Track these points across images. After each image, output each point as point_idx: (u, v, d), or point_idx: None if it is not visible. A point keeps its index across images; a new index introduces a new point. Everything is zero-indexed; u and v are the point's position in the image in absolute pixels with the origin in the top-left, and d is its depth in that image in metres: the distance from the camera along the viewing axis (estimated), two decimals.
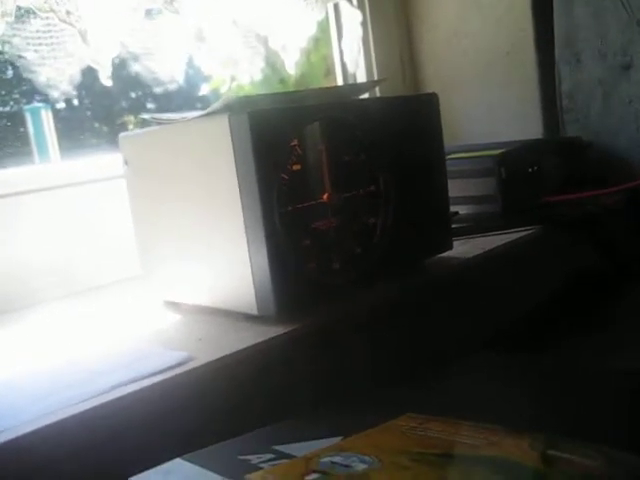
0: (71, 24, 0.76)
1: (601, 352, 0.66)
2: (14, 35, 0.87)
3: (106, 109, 1.08)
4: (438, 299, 0.70)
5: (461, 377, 0.57)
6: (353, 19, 1.07)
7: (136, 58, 1.03)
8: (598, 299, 0.82)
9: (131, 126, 1.10)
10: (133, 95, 1.14)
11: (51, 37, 0.86)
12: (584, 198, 0.92)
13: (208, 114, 0.60)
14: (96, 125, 1.10)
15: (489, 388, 0.54)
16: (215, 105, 0.59)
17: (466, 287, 0.74)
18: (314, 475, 0.32)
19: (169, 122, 0.65)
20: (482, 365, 0.60)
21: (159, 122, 0.65)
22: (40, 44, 0.86)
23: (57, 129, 0.98)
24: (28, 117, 0.99)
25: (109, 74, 0.79)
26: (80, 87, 0.96)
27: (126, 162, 0.69)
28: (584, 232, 0.88)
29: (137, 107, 1.12)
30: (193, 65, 1.15)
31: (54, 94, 0.91)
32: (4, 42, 0.87)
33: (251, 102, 0.61)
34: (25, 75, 0.92)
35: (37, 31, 0.85)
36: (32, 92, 0.95)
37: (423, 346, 0.67)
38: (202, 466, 0.36)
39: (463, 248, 0.78)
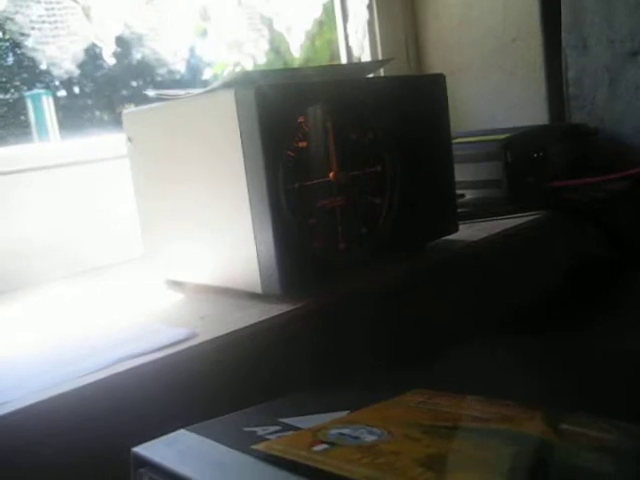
0: (75, 1, 0.76)
1: (609, 334, 0.65)
2: (17, 12, 0.87)
3: (107, 97, 1.07)
4: (443, 281, 0.70)
5: (468, 357, 0.56)
6: (359, 2, 1.06)
7: (140, 39, 1.02)
8: (603, 284, 0.81)
9: None
10: (134, 84, 1.13)
11: (54, 15, 0.85)
12: (590, 184, 0.91)
13: (213, 89, 0.59)
14: (97, 113, 1.09)
15: (497, 368, 0.53)
16: (220, 80, 0.59)
17: (471, 270, 0.73)
18: (322, 446, 0.32)
19: (174, 98, 0.64)
20: (488, 346, 0.59)
21: (163, 98, 0.65)
22: (43, 22, 0.85)
23: (57, 117, 0.98)
24: (29, 103, 0.98)
25: (113, 51, 0.79)
26: (81, 74, 0.95)
27: (129, 139, 0.68)
28: (589, 217, 0.88)
29: (138, 96, 1.12)
30: (195, 53, 1.14)
31: (57, 73, 0.91)
32: (7, 19, 0.86)
33: (257, 77, 0.60)
34: (28, 55, 0.92)
35: (40, 9, 0.84)
36: (33, 79, 0.94)
37: (428, 327, 0.66)
38: (207, 437, 0.35)
39: (468, 231, 0.77)
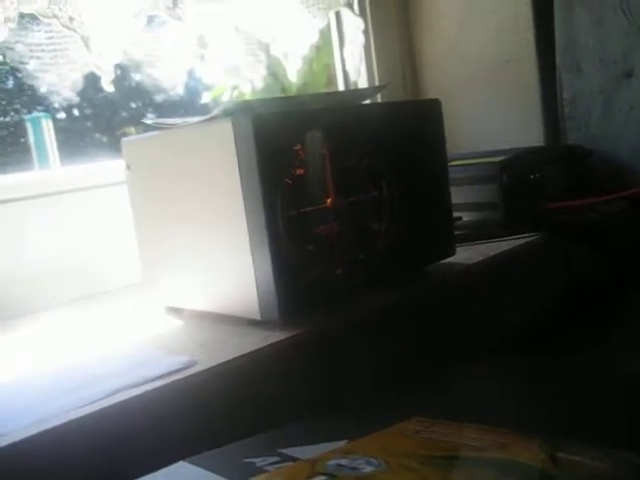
0: (74, 30, 0.76)
1: (604, 357, 0.66)
2: (17, 42, 0.88)
3: (106, 120, 1.08)
4: (441, 305, 0.70)
5: (465, 381, 0.56)
6: (355, 27, 1.07)
7: (138, 66, 1.03)
8: (599, 305, 0.82)
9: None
10: (133, 105, 1.14)
11: (53, 44, 0.86)
12: (585, 205, 0.92)
13: (211, 118, 0.60)
14: (96, 135, 1.10)
15: (493, 392, 0.53)
16: (218, 109, 0.59)
17: (469, 293, 0.73)
18: (321, 477, 0.32)
19: (171, 127, 0.65)
20: (485, 370, 0.60)
21: (161, 127, 0.65)
22: (43, 50, 0.86)
23: (57, 139, 0.98)
24: (29, 127, 0.98)
25: (111, 80, 0.79)
26: (80, 98, 0.96)
27: (128, 167, 0.69)
28: (585, 239, 0.88)
29: (137, 118, 1.12)
30: (194, 75, 1.15)
31: (57, 100, 0.91)
32: (7, 49, 0.87)
33: (253, 106, 0.61)
34: (27, 82, 0.93)
35: (40, 38, 0.85)
36: (33, 102, 0.95)
37: (426, 351, 0.67)
38: (207, 468, 0.35)
39: (465, 254, 0.78)
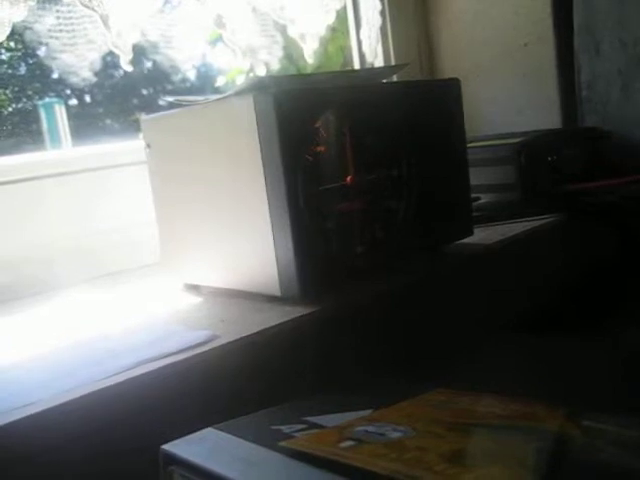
0: (93, 9, 0.77)
1: (621, 336, 0.66)
2: (35, 22, 0.88)
3: (118, 106, 1.08)
4: (458, 284, 0.70)
5: (482, 359, 0.57)
6: (372, 8, 1.06)
7: (155, 47, 1.03)
8: (619, 286, 0.82)
9: None
10: (145, 92, 1.14)
11: (72, 24, 0.86)
12: (604, 187, 0.91)
13: (231, 95, 0.60)
14: (108, 121, 1.10)
15: (511, 369, 0.53)
16: (238, 86, 0.59)
17: (486, 273, 0.73)
18: (349, 442, 0.32)
19: (192, 104, 0.65)
20: (502, 347, 0.60)
21: (182, 104, 0.65)
22: (61, 30, 0.86)
23: (69, 126, 0.99)
24: (42, 112, 0.99)
25: (130, 59, 0.79)
26: (93, 83, 0.96)
27: (148, 145, 0.69)
28: (603, 221, 0.88)
29: (149, 104, 1.13)
30: (207, 60, 1.15)
31: (75, 80, 0.92)
32: (25, 28, 0.87)
33: (274, 83, 0.61)
34: (41, 66, 0.93)
35: (58, 17, 0.85)
36: (45, 88, 0.96)
37: (443, 329, 0.67)
38: (234, 434, 0.36)
39: (483, 234, 0.78)
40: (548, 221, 0.84)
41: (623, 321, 0.72)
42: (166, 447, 0.35)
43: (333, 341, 0.57)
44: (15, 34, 0.88)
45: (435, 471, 0.28)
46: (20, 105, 0.96)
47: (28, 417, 0.40)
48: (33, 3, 0.73)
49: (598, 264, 0.88)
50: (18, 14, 0.73)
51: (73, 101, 1.01)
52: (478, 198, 0.80)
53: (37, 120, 0.97)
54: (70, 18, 0.86)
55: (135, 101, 1.14)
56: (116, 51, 0.79)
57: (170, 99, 0.66)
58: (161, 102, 0.69)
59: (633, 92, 1.02)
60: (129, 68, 0.79)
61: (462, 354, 0.59)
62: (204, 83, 1.24)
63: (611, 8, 1.01)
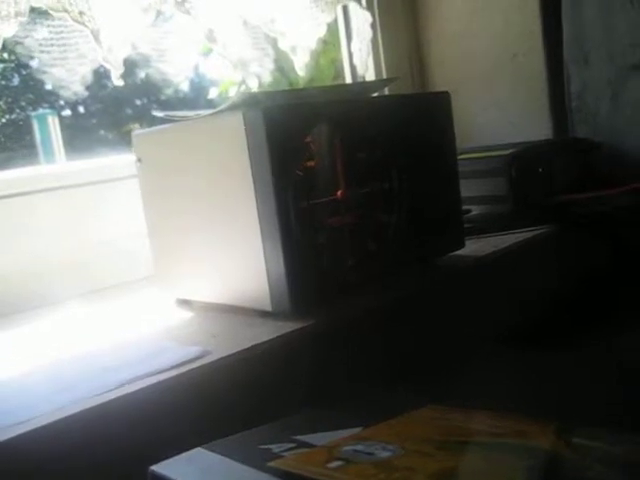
0: (84, 24, 0.77)
1: (615, 348, 0.66)
2: (26, 37, 0.88)
3: (111, 117, 1.08)
4: (450, 296, 0.70)
5: (474, 373, 0.57)
6: (363, 20, 1.07)
7: (147, 60, 1.04)
8: (610, 297, 0.82)
9: None
10: (138, 103, 1.14)
11: (63, 38, 0.86)
12: (595, 197, 0.91)
13: (222, 111, 0.60)
14: (101, 132, 1.10)
15: (502, 383, 0.53)
16: (229, 102, 0.59)
17: (478, 285, 0.74)
18: (337, 462, 0.32)
19: (182, 119, 0.65)
20: (494, 361, 0.60)
21: (172, 120, 0.66)
22: (52, 45, 0.86)
23: (63, 137, 0.99)
24: (35, 124, 0.99)
25: (120, 74, 0.80)
26: (86, 95, 0.96)
27: (139, 160, 0.69)
28: (595, 231, 0.88)
29: (142, 115, 1.13)
30: (199, 72, 1.15)
31: (66, 95, 0.92)
32: (17, 43, 0.87)
33: (264, 99, 0.61)
34: (34, 78, 0.93)
35: (50, 32, 0.86)
36: (39, 99, 0.96)
37: (436, 343, 0.67)
38: (223, 455, 0.36)
39: (475, 247, 0.78)
40: (540, 232, 0.84)
41: (616, 330, 0.72)
42: (155, 468, 0.35)
43: (325, 356, 0.57)
44: (6, 48, 0.88)
45: None
46: (14, 116, 0.96)
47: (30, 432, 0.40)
48: (24, 19, 0.73)
49: (591, 275, 0.88)
50: (8, 30, 0.73)
51: (67, 112, 1.01)
52: (469, 210, 0.81)
53: (30, 132, 0.97)
54: (61, 32, 0.87)
55: (129, 111, 1.14)
56: (107, 66, 0.79)
57: (160, 114, 0.66)
58: (154, 114, 0.69)
59: (622, 102, 1.03)
60: (120, 83, 0.79)
61: (454, 368, 0.59)
62: (197, 95, 1.24)
63: (600, 19, 1.02)
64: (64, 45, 0.86)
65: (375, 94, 0.76)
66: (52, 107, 0.99)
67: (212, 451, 0.36)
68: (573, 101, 1.07)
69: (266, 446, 0.36)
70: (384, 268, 0.66)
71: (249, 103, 0.59)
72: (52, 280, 0.79)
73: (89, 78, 0.93)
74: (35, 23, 0.86)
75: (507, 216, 0.86)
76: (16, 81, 0.97)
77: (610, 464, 0.32)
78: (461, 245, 0.74)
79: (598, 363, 0.59)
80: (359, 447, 0.34)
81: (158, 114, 0.66)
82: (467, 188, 0.79)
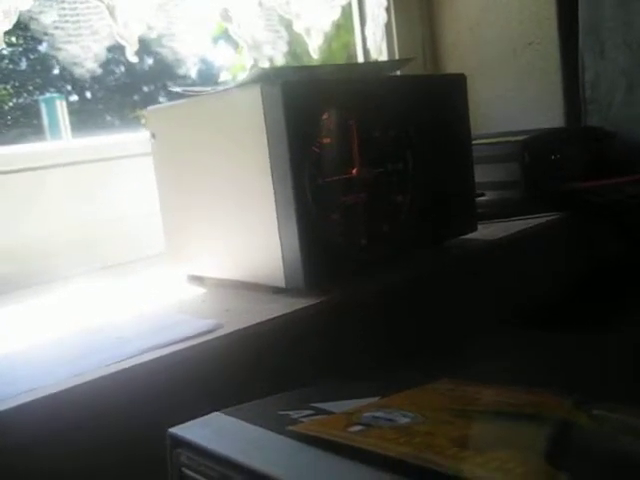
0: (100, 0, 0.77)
1: (623, 333, 0.66)
2: (41, 12, 0.88)
3: (118, 102, 1.08)
4: (461, 278, 0.70)
5: (485, 353, 0.57)
6: (377, 4, 1.06)
7: (159, 40, 1.03)
8: (620, 284, 0.82)
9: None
10: (146, 89, 1.14)
11: (77, 14, 0.86)
12: (606, 186, 0.91)
13: (238, 86, 0.60)
14: (108, 118, 1.10)
15: (513, 363, 0.53)
16: (247, 76, 0.59)
17: (489, 268, 0.74)
18: (358, 427, 0.32)
19: (199, 94, 0.65)
20: (504, 342, 0.60)
21: (189, 94, 0.65)
22: (66, 21, 0.86)
23: (69, 122, 0.99)
24: (43, 107, 0.99)
25: (135, 50, 0.79)
26: (93, 79, 0.96)
27: (153, 136, 0.69)
28: (606, 219, 0.88)
29: (150, 101, 1.12)
30: (208, 60, 1.15)
31: (80, 72, 0.91)
32: (31, 19, 0.87)
33: (282, 74, 0.61)
34: (42, 62, 0.93)
35: (64, 8, 0.85)
36: (46, 84, 0.95)
37: (446, 322, 0.67)
38: (241, 419, 0.36)
39: (487, 231, 0.78)
40: (552, 219, 0.84)
41: (627, 318, 0.72)
42: (173, 430, 0.35)
43: (337, 332, 0.57)
44: (20, 24, 0.88)
45: (446, 455, 0.28)
46: (21, 100, 0.96)
47: (35, 401, 0.40)
48: None
49: (601, 262, 0.88)
50: (24, 2, 0.73)
51: (74, 97, 1.01)
52: (483, 194, 0.80)
53: (38, 115, 0.97)
54: (76, 9, 0.86)
55: (136, 97, 1.13)
56: (122, 42, 0.79)
57: (177, 89, 0.66)
58: (171, 89, 0.68)
59: (637, 93, 1.02)
60: (135, 59, 0.79)
61: (465, 347, 0.59)
62: (206, 80, 1.24)
63: (616, 9, 1.01)
64: (78, 22, 0.86)
65: (389, 74, 0.76)
66: (60, 92, 0.99)
67: (230, 415, 0.36)
68: (587, 90, 1.06)
69: (284, 412, 0.36)
70: (397, 249, 0.66)
71: (265, 79, 0.59)
72: (60, 256, 0.79)
73: (102, 56, 0.93)
74: None
75: (519, 202, 0.86)
76: (24, 65, 0.97)
77: (632, 433, 0.32)
78: (474, 228, 0.74)
79: (611, 344, 0.59)
80: (379, 414, 0.34)
81: (175, 88, 0.66)
82: (480, 173, 0.79)
